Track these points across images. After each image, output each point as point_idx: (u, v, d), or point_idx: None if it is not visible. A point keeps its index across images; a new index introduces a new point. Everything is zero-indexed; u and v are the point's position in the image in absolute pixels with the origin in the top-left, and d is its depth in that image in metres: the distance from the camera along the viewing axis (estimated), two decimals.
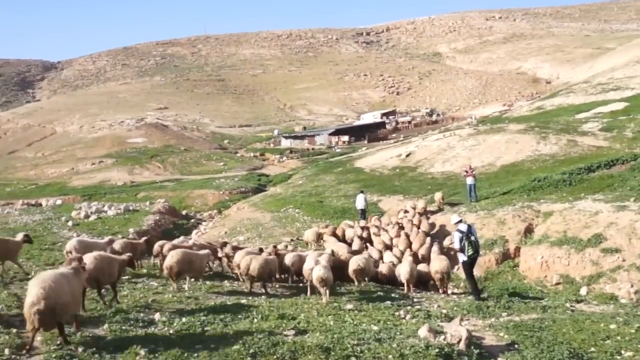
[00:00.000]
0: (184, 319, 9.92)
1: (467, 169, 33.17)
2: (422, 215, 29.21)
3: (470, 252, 14.67)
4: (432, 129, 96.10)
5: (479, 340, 10.07)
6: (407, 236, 24.95)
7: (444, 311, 12.55)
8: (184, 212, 44.11)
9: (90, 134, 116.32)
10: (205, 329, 9.56)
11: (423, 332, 9.66)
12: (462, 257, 14.99)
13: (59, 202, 50.73)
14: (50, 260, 17.23)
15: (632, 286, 19.08)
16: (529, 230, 24.83)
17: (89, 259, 10.96)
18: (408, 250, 23.25)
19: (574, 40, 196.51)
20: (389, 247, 24.96)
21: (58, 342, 8.41)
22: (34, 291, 7.85)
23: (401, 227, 26.92)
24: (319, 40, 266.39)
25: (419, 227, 26.68)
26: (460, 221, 15.32)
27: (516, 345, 10.01)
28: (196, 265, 14.25)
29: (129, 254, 13.64)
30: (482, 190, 33.77)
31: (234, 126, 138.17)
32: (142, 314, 10.50)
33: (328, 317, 10.97)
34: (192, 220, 41.69)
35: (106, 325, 9.49)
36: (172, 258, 13.66)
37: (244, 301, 12.46)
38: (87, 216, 38.06)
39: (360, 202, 32.91)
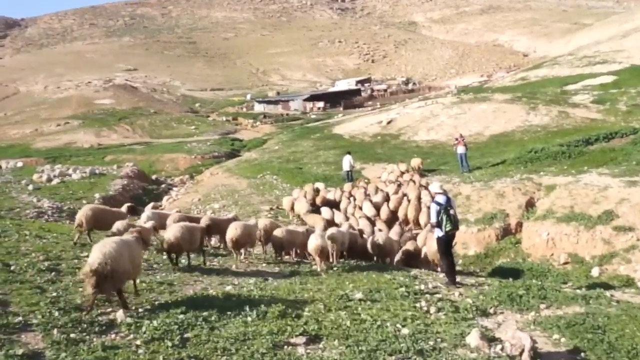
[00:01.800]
0: (155, 322, 7.48)
1: (457, 137, 31.21)
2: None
3: (449, 227, 12.56)
4: (408, 97, 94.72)
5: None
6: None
7: (470, 301, 10.39)
8: (153, 177, 41.72)
9: (56, 94, 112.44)
10: (185, 335, 7.19)
11: (473, 339, 7.49)
12: (438, 233, 12.84)
13: (20, 164, 47.82)
14: None
15: None
16: (530, 204, 23.12)
17: (174, 228, 11.89)
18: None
19: (552, 15, 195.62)
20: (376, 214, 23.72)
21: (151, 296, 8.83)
22: (94, 255, 8.01)
23: (399, 186, 26.27)
24: (292, 5, 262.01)
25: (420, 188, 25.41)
26: (441, 192, 13.09)
27: (583, 354, 7.88)
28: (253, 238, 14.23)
29: (207, 222, 14.30)
30: (474, 160, 32.10)
31: (205, 89, 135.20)
32: (99, 311, 8.08)
33: (340, 314, 8.71)
34: (163, 186, 39.33)
35: (54, 331, 7.09)
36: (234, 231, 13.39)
37: (229, 288, 10.12)
38: (49, 180, 35.47)
39: (346, 164, 31.79)
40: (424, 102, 57.41)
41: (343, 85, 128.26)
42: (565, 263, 18.97)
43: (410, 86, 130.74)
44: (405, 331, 7.94)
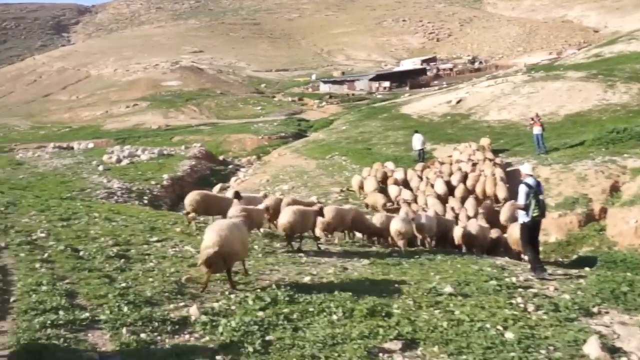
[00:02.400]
0: (233, 321, 6.73)
1: (533, 117, 29.66)
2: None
3: (536, 213, 11.46)
4: (475, 76, 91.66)
5: None
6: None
7: (568, 297, 9.32)
8: (221, 158, 41.48)
9: (125, 77, 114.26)
10: (267, 337, 6.43)
11: (593, 349, 6.46)
12: (523, 218, 11.73)
13: (91, 145, 48.54)
14: (66, 214, 14.04)
15: None
16: (614, 189, 21.64)
17: (288, 211, 12.23)
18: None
19: None
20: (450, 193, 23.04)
21: (226, 287, 8.59)
22: (209, 236, 8.30)
23: (474, 165, 25.55)
24: None
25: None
26: (532, 175, 11.97)
27: None
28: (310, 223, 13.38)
29: (319, 205, 13.93)
30: (550, 140, 30.45)
31: (270, 70, 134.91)
32: (171, 306, 7.44)
33: (434, 312, 7.82)
34: (230, 166, 39.07)
35: (123, 331, 6.49)
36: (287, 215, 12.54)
37: (307, 279, 9.36)
38: (119, 160, 35.78)
39: (417, 143, 31.17)
40: (494, 80, 55.27)
41: (408, 64, 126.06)
42: None
43: (476, 65, 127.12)
44: (509, 336, 6.97)
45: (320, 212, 13.03)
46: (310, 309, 7.51)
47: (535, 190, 11.61)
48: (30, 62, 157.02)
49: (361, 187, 25.10)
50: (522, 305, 8.65)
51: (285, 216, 12.01)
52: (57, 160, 36.70)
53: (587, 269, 12.95)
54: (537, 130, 28.60)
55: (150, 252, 10.55)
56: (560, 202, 21.48)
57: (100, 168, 33.20)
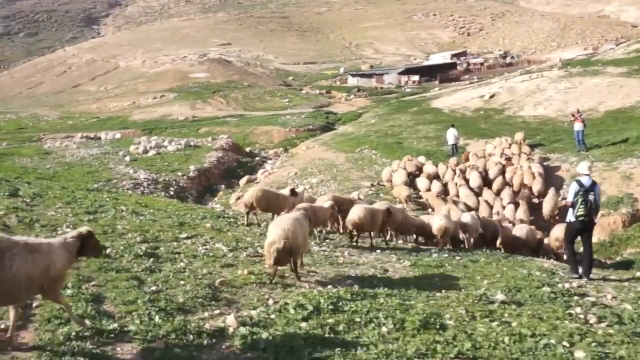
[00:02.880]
0: (275, 335, 6.05)
1: (574, 112, 28.68)
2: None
3: (581, 212, 10.87)
4: (507, 71, 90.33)
5: None
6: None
7: (630, 307, 8.55)
8: (247, 149, 40.84)
9: (153, 69, 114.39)
10: (315, 355, 5.78)
11: None
12: (569, 216, 11.22)
13: (118, 135, 48.25)
14: (93, 207, 13.46)
15: None
16: None
17: (357, 209, 12.66)
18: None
19: None
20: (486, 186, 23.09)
21: (292, 277, 8.87)
22: (274, 232, 8.57)
23: (509, 159, 25.60)
24: None
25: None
26: (588, 174, 11.30)
27: None
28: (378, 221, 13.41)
29: (386, 205, 14.21)
30: (591, 137, 29.55)
31: (298, 63, 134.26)
32: (205, 314, 6.81)
33: (492, 325, 7.08)
34: (257, 158, 38.43)
35: (161, 341, 5.87)
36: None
37: (349, 282, 8.72)
38: (145, 151, 35.40)
39: (451, 137, 31.09)
40: (528, 75, 54.11)
41: (438, 58, 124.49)
42: None
43: (508, 60, 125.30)
44: (580, 355, 6.25)
45: (388, 213, 13.32)
46: (357, 319, 6.84)
47: (586, 190, 10.94)
48: (61, 54, 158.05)
49: (389, 180, 24.91)
50: (582, 317, 7.92)
51: (355, 213, 12.39)
52: (84, 151, 36.44)
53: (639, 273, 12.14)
54: (577, 126, 27.78)
55: (180, 251, 9.96)
56: (603, 202, 20.36)
57: (127, 158, 32.86)
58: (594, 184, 11.19)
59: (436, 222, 13.55)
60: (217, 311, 6.98)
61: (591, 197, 10.95)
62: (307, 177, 28.71)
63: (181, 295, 7.43)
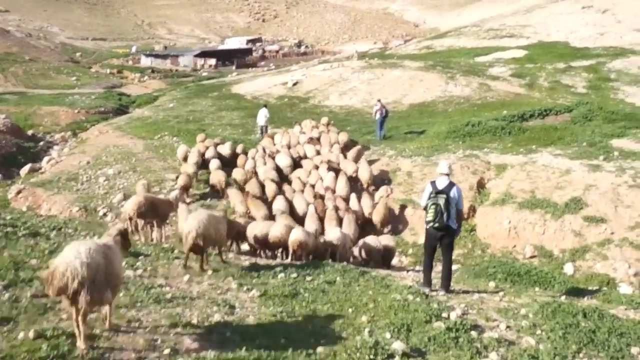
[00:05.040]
0: None
1: (378, 106, 28.99)
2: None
3: (429, 218, 9.82)
4: (302, 60, 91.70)
5: None
6: None
7: (542, 347, 7.36)
8: (30, 133, 36.01)
9: None
10: None
11: None
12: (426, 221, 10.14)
13: None
14: None
15: (629, 267, 15.31)
16: (480, 186, 20.73)
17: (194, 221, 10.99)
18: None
19: None
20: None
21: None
22: (191, 223, 9.44)
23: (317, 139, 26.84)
24: None
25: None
26: (447, 174, 10.27)
27: None
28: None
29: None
30: (402, 129, 30.63)
31: (86, 39, 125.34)
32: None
33: None
34: (42, 143, 33.71)
35: None
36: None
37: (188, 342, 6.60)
38: None
39: (261, 118, 31.04)
40: (329, 65, 54.21)
41: (234, 43, 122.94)
42: (532, 257, 16.66)
43: (302, 49, 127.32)
44: None
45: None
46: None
47: (438, 192, 9.88)
48: None
49: (185, 159, 24.32)
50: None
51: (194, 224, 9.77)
52: None
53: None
54: (378, 116, 28.72)
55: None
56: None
57: None
58: (451, 185, 10.05)
59: (294, 235, 12.26)
60: None
61: (441, 200, 9.81)
62: (101, 167, 25.24)
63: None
